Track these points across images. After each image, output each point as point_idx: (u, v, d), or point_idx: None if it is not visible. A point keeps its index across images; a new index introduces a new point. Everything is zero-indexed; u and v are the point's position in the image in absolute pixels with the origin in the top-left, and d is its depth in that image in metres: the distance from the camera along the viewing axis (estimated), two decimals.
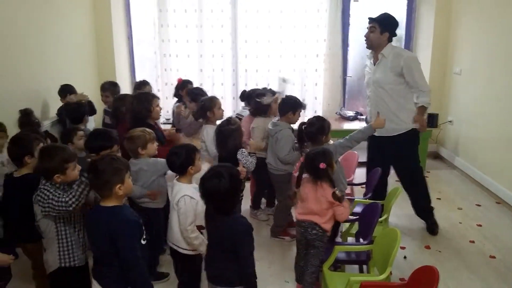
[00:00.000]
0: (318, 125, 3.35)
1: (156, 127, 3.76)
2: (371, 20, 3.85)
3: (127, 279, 2.17)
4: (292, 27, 6.27)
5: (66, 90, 4.40)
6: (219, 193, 2.19)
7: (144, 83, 4.94)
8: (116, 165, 2.19)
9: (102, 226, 2.17)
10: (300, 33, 6.30)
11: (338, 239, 3.45)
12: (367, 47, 3.97)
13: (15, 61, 3.93)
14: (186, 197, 2.60)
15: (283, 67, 6.42)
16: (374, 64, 3.88)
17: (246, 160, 3.30)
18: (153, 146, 3.13)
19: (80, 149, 3.31)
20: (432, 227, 3.98)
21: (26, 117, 3.70)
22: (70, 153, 2.54)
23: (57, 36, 4.80)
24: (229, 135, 3.29)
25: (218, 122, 3.63)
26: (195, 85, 5.17)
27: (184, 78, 5.16)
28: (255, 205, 4.45)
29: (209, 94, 4.64)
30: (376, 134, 3.62)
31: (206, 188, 2.24)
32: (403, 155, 3.87)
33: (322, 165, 2.80)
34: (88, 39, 5.77)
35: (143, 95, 3.85)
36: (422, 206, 4.01)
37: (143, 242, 2.23)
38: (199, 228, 2.64)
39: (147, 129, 3.17)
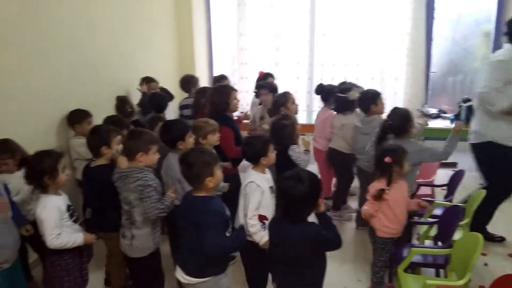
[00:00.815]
0: (400, 114, 3.25)
1: (234, 119, 3.84)
2: None
3: (210, 267, 2.27)
4: (372, 19, 6.08)
5: (148, 80, 4.69)
6: (293, 197, 2.09)
7: (223, 77, 5.06)
8: (205, 158, 2.28)
9: (190, 215, 2.28)
10: (381, 26, 6.09)
11: (415, 241, 3.33)
12: None
13: (111, 58, 4.37)
14: (253, 184, 2.63)
15: (361, 61, 6.24)
16: None
17: (297, 157, 3.22)
18: (214, 137, 3.17)
19: None
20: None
21: (120, 104, 4.09)
22: (155, 137, 2.76)
23: (143, 34, 5.12)
24: (280, 130, 3.26)
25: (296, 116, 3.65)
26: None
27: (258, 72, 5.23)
28: (336, 205, 4.38)
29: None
30: None
31: (280, 187, 2.18)
32: None
33: (387, 159, 2.71)
34: (170, 35, 6.02)
35: (222, 87, 3.91)
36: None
37: (227, 234, 2.30)
38: (262, 218, 2.65)
39: (211, 120, 3.22)
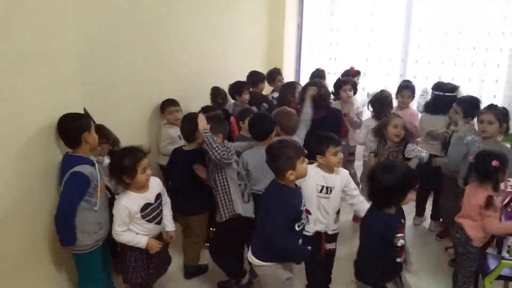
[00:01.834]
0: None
1: None
2: None
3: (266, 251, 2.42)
4: (474, 16, 5.68)
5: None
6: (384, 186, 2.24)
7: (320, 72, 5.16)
8: (288, 153, 2.36)
9: (264, 197, 2.51)
10: (483, 24, 5.68)
11: (505, 254, 3.12)
12: None
13: (209, 54, 4.68)
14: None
15: (459, 60, 5.88)
16: None
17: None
18: None
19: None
20: None
21: (213, 94, 4.33)
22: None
23: (237, 29, 5.32)
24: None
25: None
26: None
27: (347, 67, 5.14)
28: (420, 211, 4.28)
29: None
30: None
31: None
32: None
33: (495, 163, 2.57)
34: (261, 27, 6.13)
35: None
36: None
37: (297, 228, 2.37)
38: (306, 212, 2.70)
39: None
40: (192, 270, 3.37)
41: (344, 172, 2.85)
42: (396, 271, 2.36)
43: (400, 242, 2.18)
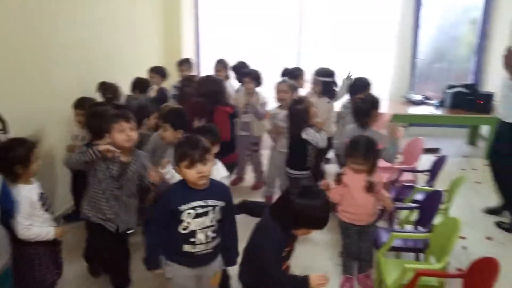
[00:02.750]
0: (370, 101, 3.36)
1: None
2: None
3: None
4: (361, 7, 6.11)
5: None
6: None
7: (186, 61, 5.10)
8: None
9: None
10: (369, 14, 6.11)
11: (396, 227, 3.40)
12: None
13: (93, 46, 4.29)
14: None
15: (351, 47, 6.27)
16: None
17: (313, 137, 3.33)
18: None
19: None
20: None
21: (101, 87, 3.98)
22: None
23: (128, 19, 5.08)
24: (295, 114, 3.37)
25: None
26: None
27: (243, 60, 5.17)
28: None
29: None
30: None
31: None
32: None
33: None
34: (156, 19, 5.97)
35: (213, 78, 3.94)
36: None
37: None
38: None
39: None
40: None
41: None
42: None
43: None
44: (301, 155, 3.46)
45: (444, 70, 6.56)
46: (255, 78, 4.39)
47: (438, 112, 5.62)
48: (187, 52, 6.36)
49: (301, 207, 1.95)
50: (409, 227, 3.27)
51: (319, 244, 3.48)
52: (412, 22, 6.05)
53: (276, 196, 3.88)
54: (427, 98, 6.02)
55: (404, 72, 6.26)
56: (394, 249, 2.96)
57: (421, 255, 2.95)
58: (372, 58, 6.31)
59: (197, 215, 2.09)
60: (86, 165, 2.44)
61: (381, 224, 3.32)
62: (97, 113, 2.83)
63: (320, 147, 3.41)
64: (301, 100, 3.45)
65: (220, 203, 2.15)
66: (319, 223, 2.01)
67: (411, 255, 3.10)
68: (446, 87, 5.81)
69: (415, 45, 6.26)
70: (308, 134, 3.34)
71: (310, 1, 6.19)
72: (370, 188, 2.74)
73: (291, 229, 2.06)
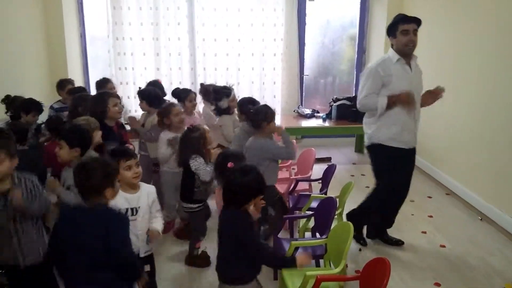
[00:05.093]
0: (263, 112, 3.43)
1: (114, 127, 3.63)
2: (414, 20, 3.33)
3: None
4: (249, 25, 6.31)
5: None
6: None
7: (106, 81, 4.80)
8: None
9: None
10: (257, 32, 6.34)
11: (296, 235, 3.50)
12: (409, 53, 3.41)
13: None
14: None
15: (242, 66, 6.44)
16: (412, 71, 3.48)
17: (197, 168, 3.16)
18: (98, 134, 3.00)
19: None
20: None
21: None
22: None
23: (5, 34, 4.64)
24: (187, 141, 3.25)
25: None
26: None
27: (140, 77, 5.04)
28: None
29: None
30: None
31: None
32: None
33: (230, 165, 2.66)
34: (38, 38, 5.58)
35: (99, 95, 3.73)
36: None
37: None
38: None
39: (91, 118, 3.06)
40: None
41: (150, 189, 2.68)
42: (257, 271, 2.38)
43: None
44: (188, 184, 3.29)
45: (329, 85, 7.03)
46: (145, 98, 4.24)
47: (326, 124, 6.01)
48: (73, 69, 6.03)
49: (243, 182, 2.24)
50: (308, 234, 3.39)
51: None
52: (297, 41, 6.40)
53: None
54: (315, 111, 6.40)
55: (293, 87, 6.59)
56: None
57: (322, 262, 3.07)
58: (263, 75, 6.55)
59: None
60: None
61: (282, 234, 3.40)
62: None
63: (202, 180, 3.20)
64: (196, 129, 3.31)
65: None
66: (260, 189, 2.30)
67: (313, 262, 3.21)
68: (332, 100, 6.24)
69: (302, 62, 6.63)
70: (193, 164, 3.18)
71: (200, 21, 6.24)
72: None
73: (244, 205, 2.28)
